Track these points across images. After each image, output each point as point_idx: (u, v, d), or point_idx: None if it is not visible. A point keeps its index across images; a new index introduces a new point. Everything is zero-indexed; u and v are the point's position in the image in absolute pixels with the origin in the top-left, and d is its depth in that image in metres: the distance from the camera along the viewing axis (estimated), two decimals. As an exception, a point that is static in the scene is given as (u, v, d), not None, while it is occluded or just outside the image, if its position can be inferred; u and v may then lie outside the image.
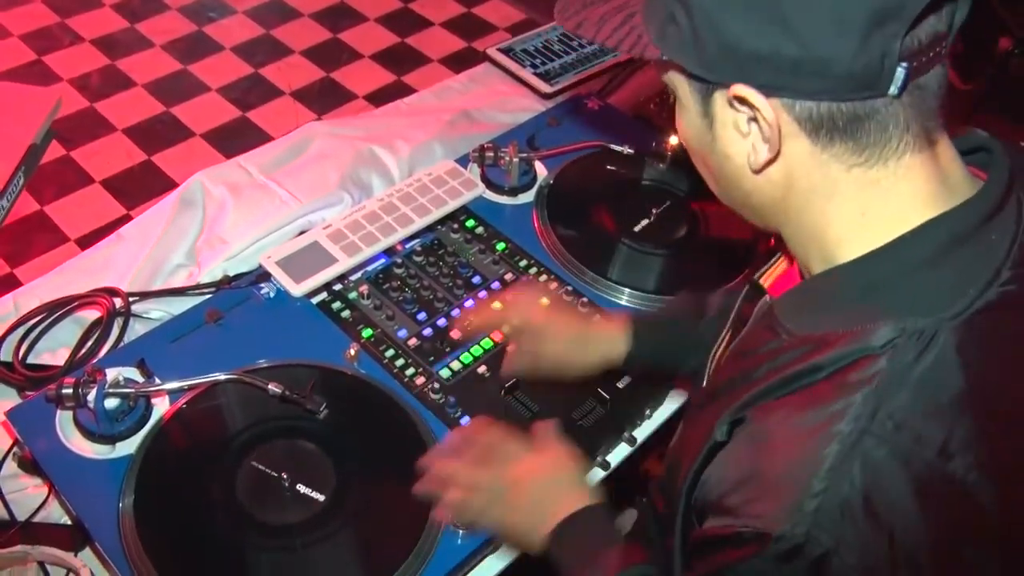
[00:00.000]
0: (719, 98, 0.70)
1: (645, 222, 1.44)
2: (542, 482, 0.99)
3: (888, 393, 0.64)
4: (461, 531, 1.05)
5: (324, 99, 3.32)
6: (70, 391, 1.06)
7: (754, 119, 0.68)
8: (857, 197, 0.69)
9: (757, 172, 0.71)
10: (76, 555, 1.08)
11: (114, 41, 3.51)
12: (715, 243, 1.44)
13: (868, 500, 0.62)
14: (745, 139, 0.70)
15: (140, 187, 2.85)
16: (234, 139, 3.04)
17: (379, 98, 3.27)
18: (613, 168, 1.53)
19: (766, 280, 0.87)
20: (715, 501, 0.71)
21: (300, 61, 3.52)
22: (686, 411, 0.93)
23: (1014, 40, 1.71)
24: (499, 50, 1.86)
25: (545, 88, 1.77)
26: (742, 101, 0.67)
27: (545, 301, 1.16)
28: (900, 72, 0.62)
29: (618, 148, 1.51)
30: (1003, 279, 0.67)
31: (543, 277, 1.34)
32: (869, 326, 0.66)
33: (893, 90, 0.63)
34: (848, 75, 0.62)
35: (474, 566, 1.10)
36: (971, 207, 0.69)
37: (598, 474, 1.19)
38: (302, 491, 1.07)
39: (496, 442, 1.02)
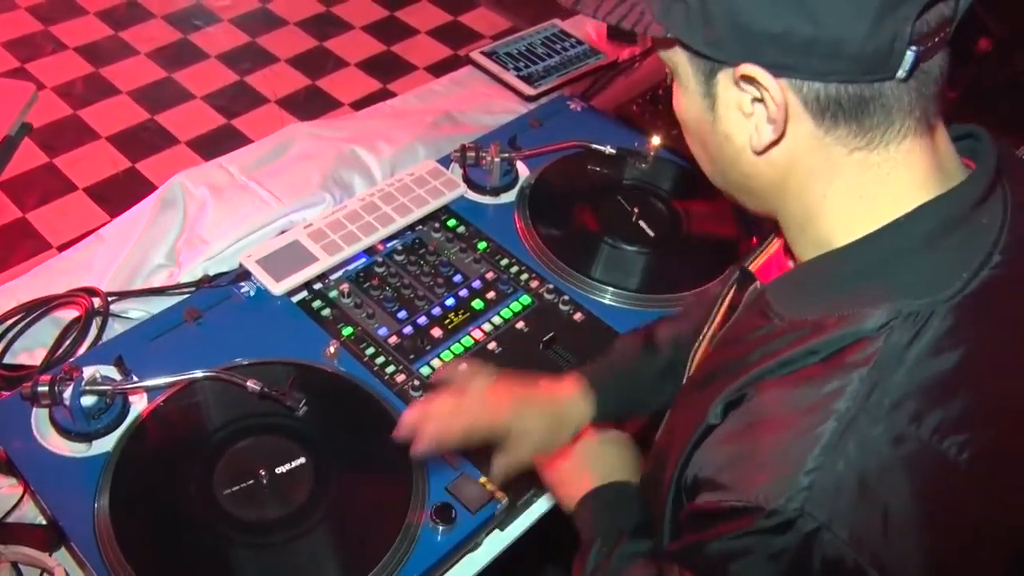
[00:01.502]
0: (723, 77, 0.69)
1: (627, 221, 1.44)
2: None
3: (884, 373, 0.64)
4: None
5: (310, 106, 3.32)
6: (46, 388, 1.05)
7: (759, 99, 0.67)
8: (857, 180, 0.69)
9: (759, 153, 0.70)
10: (51, 555, 1.06)
11: (98, 48, 3.51)
12: (697, 241, 1.44)
13: (863, 477, 0.62)
14: (748, 120, 0.69)
15: (124, 194, 2.84)
16: (219, 146, 3.03)
17: (365, 105, 3.24)
18: (595, 168, 1.53)
19: (754, 266, 0.87)
20: (708, 478, 0.71)
21: (285, 69, 3.53)
22: (672, 402, 0.92)
23: (994, 41, 1.72)
24: (482, 53, 1.86)
25: (528, 91, 1.77)
26: (749, 80, 0.66)
27: (490, 380, 1.03)
28: (910, 55, 0.62)
29: (600, 148, 1.51)
30: (994, 263, 0.67)
31: (524, 276, 1.34)
32: (864, 310, 0.67)
33: (901, 73, 0.63)
34: (859, 57, 0.62)
35: (453, 564, 1.09)
36: (963, 192, 0.69)
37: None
38: (281, 488, 1.06)
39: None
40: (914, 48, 0.62)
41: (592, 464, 1.04)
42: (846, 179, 0.69)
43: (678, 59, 0.72)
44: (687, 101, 0.74)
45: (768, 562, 0.65)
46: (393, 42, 3.72)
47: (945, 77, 0.68)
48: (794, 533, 0.62)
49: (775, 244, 0.88)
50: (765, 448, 0.66)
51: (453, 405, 0.99)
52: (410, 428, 0.96)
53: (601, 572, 0.92)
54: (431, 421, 0.97)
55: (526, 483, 1.10)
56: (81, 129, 3.14)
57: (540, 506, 1.16)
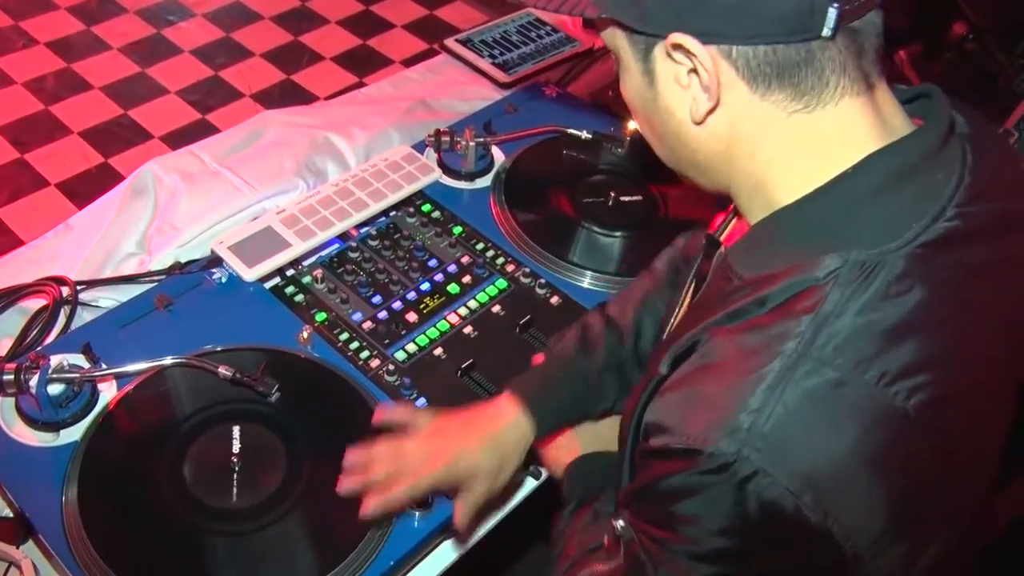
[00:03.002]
0: (659, 52, 0.70)
1: (603, 205, 1.43)
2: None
3: (830, 319, 0.64)
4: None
5: (285, 101, 3.29)
6: (11, 377, 1.03)
7: (693, 70, 0.68)
8: (797, 142, 0.69)
9: (699, 123, 0.71)
10: (18, 548, 1.04)
11: (70, 44, 3.47)
12: (673, 224, 1.43)
13: (804, 422, 0.62)
14: (686, 91, 0.70)
15: (96, 190, 2.75)
16: (193, 141, 2.95)
17: (341, 99, 3.26)
18: (571, 153, 1.52)
19: (723, 236, 0.87)
20: (655, 422, 0.71)
21: (260, 63, 3.50)
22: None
23: (969, 26, 1.72)
24: (457, 41, 1.85)
25: (503, 78, 1.76)
26: (679, 49, 0.67)
27: (427, 426, 1.02)
28: (832, 13, 0.63)
29: (576, 133, 1.50)
30: (948, 215, 0.67)
31: (500, 260, 1.32)
32: (813, 260, 0.67)
33: (827, 32, 0.63)
34: (781, 17, 0.63)
35: (431, 550, 1.08)
36: (911, 143, 0.69)
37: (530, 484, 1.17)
38: (254, 475, 1.04)
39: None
40: (836, 5, 0.62)
41: (581, 435, 1.07)
42: (787, 141, 0.70)
43: (618, 41, 0.73)
44: (630, 82, 0.75)
45: (709, 504, 0.65)
46: (369, 36, 3.69)
47: (881, 37, 0.68)
48: (731, 475, 0.63)
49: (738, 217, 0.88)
50: (709, 391, 0.67)
51: (394, 468, 0.96)
52: (352, 475, 0.96)
53: (571, 528, 0.94)
54: (373, 489, 0.95)
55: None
56: (53, 124, 3.10)
57: (518, 494, 1.15)
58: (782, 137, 0.69)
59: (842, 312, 0.64)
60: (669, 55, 0.69)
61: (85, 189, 2.83)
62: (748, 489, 0.62)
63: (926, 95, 0.75)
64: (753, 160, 0.72)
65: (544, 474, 1.16)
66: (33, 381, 1.03)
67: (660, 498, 0.70)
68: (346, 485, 0.95)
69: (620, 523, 0.79)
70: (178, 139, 3.05)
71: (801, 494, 0.61)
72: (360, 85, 3.41)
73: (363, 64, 3.54)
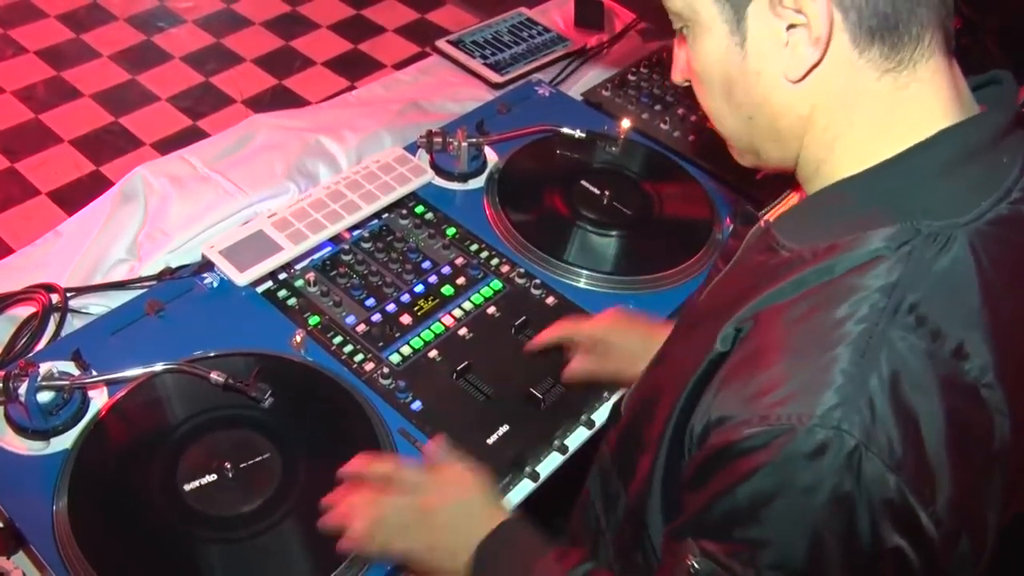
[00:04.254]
0: (755, 10, 0.68)
1: (598, 204, 1.42)
2: (452, 508, 0.95)
3: (909, 289, 0.62)
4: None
5: (276, 106, 3.24)
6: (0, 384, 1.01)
7: (793, 26, 0.67)
8: (883, 106, 0.68)
9: (797, 81, 0.69)
10: (8, 558, 1.03)
11: (60, 52, 3.45)
12: (668, 223, 1.43)
13: (896, 393, 0.59)
14: (784, 49, 0.68)
15: (88, 198, 2.73)
16: (185, 147, 3.00)
17: (332, 103, 3.26)
18: (565, 152, 1.51)
19: (767, 215, 0.84)
20: (719, 417, 0.64)
21: (252, 69, 3.49)
22: (659, 352, 0.90)
23: (963, 21, 1.71)
24: (448, 42, 1.84)
25: (495, 78, 1.75)
26: (787, 4, 0.66)
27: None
28: None
29: (570, 132, 1.49)
30: (1012, 197, 0.67)
31: (495, 261, 1.31)
32: (882, 230, 0.65)
33: None
34: None
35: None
36: (984, 121, 0.69)
37: (556, 459, 1.16)
38: (247, 482, 1.02)
39: (390, 471, 0.98)
40: None
41: (452, 534, 0.94)
42: (872, 106, 0.69)
43: (699, 5, 0.71)
44: (711, 47, 0.72)
45: (803, 498, 0.59)
46: (360, 40, 3.69)
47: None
48: (831, 456, 0.57)
49: (792, 198, 0.86)
50: (784, 370, 0.62)
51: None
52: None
53: None
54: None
55: (500, 470, 1.07)
56: (43, 133, 3.09)
57: (517, 494, 1.13)
58: (868, 101, 0.69)
59: (920, 284, 0.62)
60: (772, 8, 0.67)
61: (76, 197, 2.81)
62: (850, 470, 0.57)
63: (995, 81, 0.74)
64: (833, 127, 0.71)
65: (542, 476, 1.15)
66: (22, 389, 1.01)
67: (737, 512, 0.62)
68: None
69: (694, 561, 0.67)
70: (170, 146, 3.03)
71: (901, 472, 0.58)
72: (352, 89, 3.39)
73: (355, 68, 3.53)
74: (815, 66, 0.68)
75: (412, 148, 1.48)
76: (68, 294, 1.26)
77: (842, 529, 0.59)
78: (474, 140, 1.43)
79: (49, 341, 1.21)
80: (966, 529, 0.62)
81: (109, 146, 3.06)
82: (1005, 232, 0.66)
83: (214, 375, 1.06)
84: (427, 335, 1.20)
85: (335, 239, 1.32)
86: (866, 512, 0.58)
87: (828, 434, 0.58)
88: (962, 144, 0.67)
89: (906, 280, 0.62)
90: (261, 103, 3.30)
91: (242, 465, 1.04)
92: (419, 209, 1.39)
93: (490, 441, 1.09)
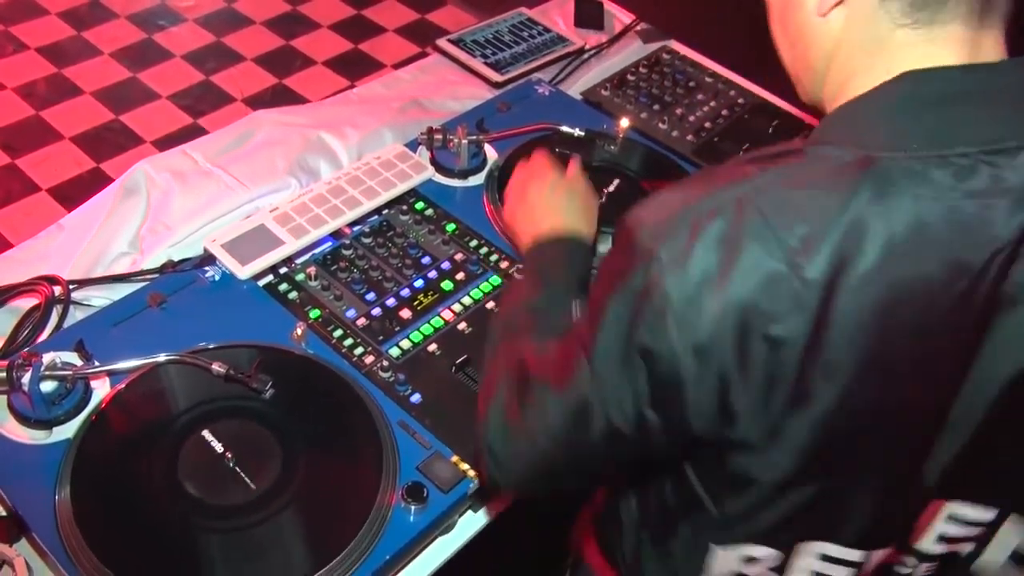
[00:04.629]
0: None
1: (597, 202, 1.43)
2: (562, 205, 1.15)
3: (771, 190, 0.69)
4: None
5: (277, 105, 3.25)
6: (3, 374, 1.03)
7: None
8: (893, 58, 0.70)
9: (822, 15, 0.73)
10: (11, 546, 1.03)
11: (61, 49, 3.46)
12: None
13: (719, 238, 0.67)
14: None
15: (88, 194, 2.76)
16: (185, 145, 3.02)
17: (333, 102, 3.27)
18: (564, 150, 1.52)
19: None
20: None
21: (252, 68, 3.50)
22: None
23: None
24: (449, 41, 1.85)
25: (496, 77, 1.76)
26: None
27: None
28: None
29: (569, 130, 1.50)
30: (941, 155, 0.66)
31: (494, 257, 1.32)
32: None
33: None
34: None
35: (425, 546, 1.07)
36: (949, 76, 0.69)
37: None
38: (248, 471, 1.04)
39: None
40: None
41: (555, 210, 1.14)
42: (884, 56, 0.71)
43: None
44: None
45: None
46: (360, 40, 3.70)
47: None
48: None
49: None
50: (664, 193, 0.73)
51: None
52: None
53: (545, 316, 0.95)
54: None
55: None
56: (44, 129, 3.10)
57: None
58: (883, 50, 0.71)
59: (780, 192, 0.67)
60: None
61: (77, 194, 2.82)
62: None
63: None
64: (844, 69, 0.74)
65: None
66: (25, 378, 1.02)
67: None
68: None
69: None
70: (170, 143, 3.00)
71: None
72: (352, 89, 3.41)
73: (355, 68, 3.54)
74: (839, 3, 0.72)
75: (413, 145, 1.49)
76: (71, 286, 1.27)
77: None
78: (474, 137, 1.45)
79: (51, 333, 1.22)
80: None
81: (109, 143, 3.07)
82: (900, 179, 0.65)
83: (215, 366, 1.07)
84: (427, 329, 1.21)
85: (336, 234, 1.33)
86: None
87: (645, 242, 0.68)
88: (911, 91, 0.68)
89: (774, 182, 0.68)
90: (261, 102, 3.31)
91: (242, 455, 1.05)
92: (419, 205, 1.40)
93: (488, 434, 1.10)
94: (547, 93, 1.67)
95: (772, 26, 0.84)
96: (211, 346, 1.15)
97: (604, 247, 1.26)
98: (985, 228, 0.64)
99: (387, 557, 0.99)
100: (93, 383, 1.11)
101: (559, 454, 0.80)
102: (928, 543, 0.85)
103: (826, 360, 0.66)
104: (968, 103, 0.67)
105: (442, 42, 1.85)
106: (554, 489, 0.94)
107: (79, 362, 1.10)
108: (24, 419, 1.06)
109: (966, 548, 0.88)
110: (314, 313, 1.22)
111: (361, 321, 1.22)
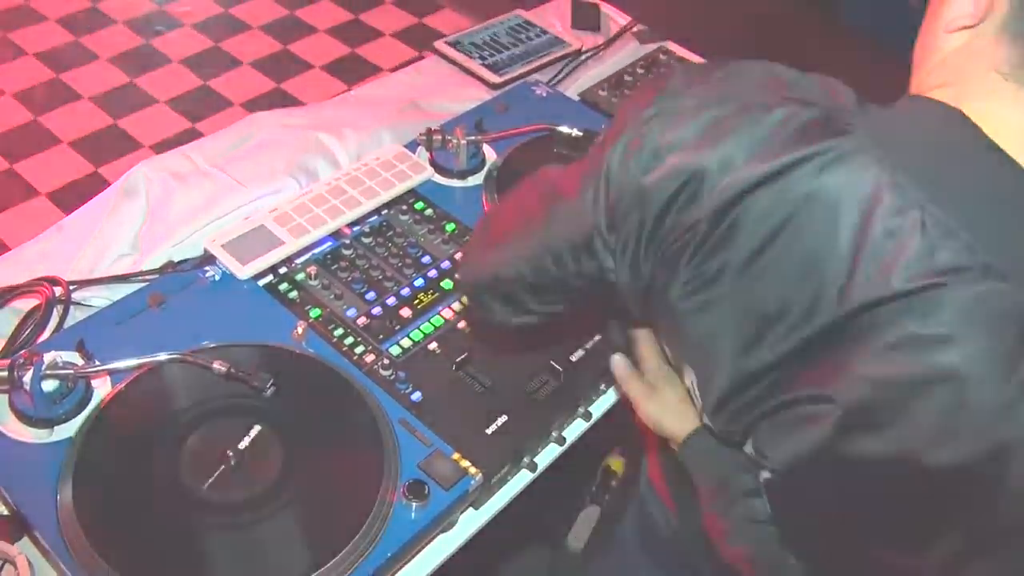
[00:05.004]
0: None
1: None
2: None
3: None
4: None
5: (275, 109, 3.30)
6: (4, 373, 1.03)
7: None
8: (975, 97, 0.71)
9: (947, 32, 0.74)
10: (13, 544, 1.04)
11: (59, 54, 3.47)
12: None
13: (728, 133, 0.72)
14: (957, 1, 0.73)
15: (87, 199, 2.80)
16: (184, 149, 3.02)
17: (330, 107, 3.28)
18: (562, 150, 1.53)
19: None
20: None
21: (250, 72, 3.50)
22: None
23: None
24: (446, 43, 1.86)
25: (494, 79, 1.76)
26: None
27: None
28: None
29: (567, 131, 1.51)
30: None
31: (494, 256, 1.33)
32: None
33: None
34: None
35: (427, 543, 1.08)
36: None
37: (554, 450, 1.18)
38: (250, 469, 1.04)
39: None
40: None
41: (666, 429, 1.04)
42: (972, 91, 0.71)
43: None
44: None
45: None
46: (358, 44, 3.71)
47: None
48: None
49: None
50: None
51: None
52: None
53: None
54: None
55: (499, 460, 1.09)
56: (42, 135, 3.10)
57: (515, 484, 1.15)
58: (972, 86, 0.71)
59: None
60: None
61: (75, 199, 2.82)
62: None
63: None
64: (935, 81, 0.74)
65: (540, 468, 1.16)
66: (27, 377, 1.02)
67: None
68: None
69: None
70: (168, 148, 2.97)
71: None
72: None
73: (352, 72, 3.55)
74: (964, 28, 0.72)
75: (412, 145, 1.50)
76: (71, 287, 1.27)
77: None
78: (473, 138, 1.45)
79: (52, 333, 1.22)
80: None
81: (108, 148, 3.07)
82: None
83: (216, 365, 1.08)
84: (427, 328, 1.22)
85: (336, 234, 1.34)
86: None
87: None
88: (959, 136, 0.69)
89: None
90: (259, 106, 3.31)
91: (243, 453, 1.05)
92: (419, 205, 1.41)
93: (489, 431, 1.11)
94: (545, 94, 1.68)
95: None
96: (212, 345, 1.16)
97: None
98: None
99: (388, 555, 0.99)
100: (94, 382, 1.11)
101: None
102: None
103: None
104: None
105: (440, 44, 1.86)
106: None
107: (80, 361, 1.11)
108: (26, 418, 1.06)
109: None
110: (315, 312, 1.22)
111: (362, 320, 1.22)
